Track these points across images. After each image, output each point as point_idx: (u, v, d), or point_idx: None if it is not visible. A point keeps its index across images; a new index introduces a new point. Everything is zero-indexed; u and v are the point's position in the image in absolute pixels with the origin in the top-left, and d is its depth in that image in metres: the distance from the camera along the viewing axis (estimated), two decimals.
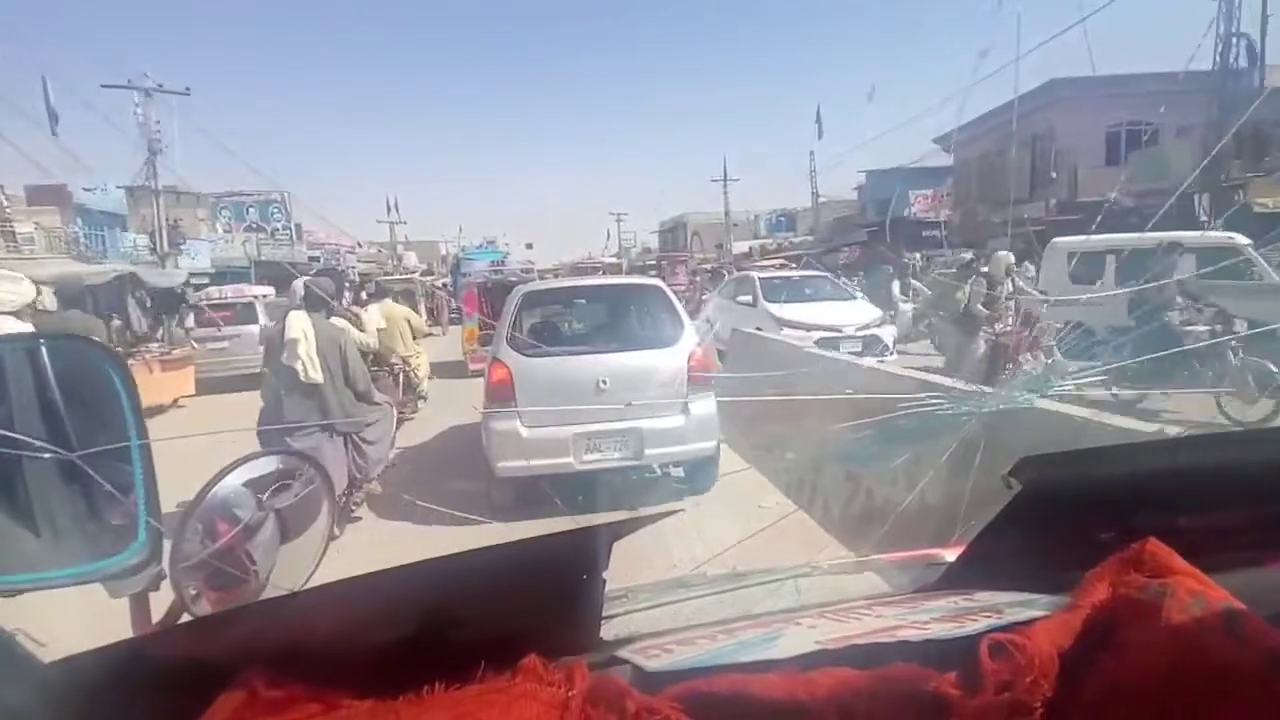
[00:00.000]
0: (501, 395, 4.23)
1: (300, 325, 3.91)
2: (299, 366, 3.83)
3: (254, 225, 29.18)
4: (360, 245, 36.74)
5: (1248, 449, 0.76)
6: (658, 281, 5.46)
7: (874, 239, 24.34)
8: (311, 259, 28.24)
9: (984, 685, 0.49)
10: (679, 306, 4.77)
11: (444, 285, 22.74)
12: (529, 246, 46.70)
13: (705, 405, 4.34)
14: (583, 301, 6.07)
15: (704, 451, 4.40)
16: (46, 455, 0.68)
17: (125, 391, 0.69)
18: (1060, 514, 0.66)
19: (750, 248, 39.09)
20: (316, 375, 3.87)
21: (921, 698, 0.50)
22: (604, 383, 4.18)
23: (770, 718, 0.51)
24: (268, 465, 0.81)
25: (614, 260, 33.13)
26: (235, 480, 0.75)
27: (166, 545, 0.67)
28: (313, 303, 4.15)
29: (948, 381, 3.71)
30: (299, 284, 4.39)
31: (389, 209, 41.28)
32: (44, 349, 0.71)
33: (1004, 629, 0.52)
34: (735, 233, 41.51)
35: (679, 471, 4.64)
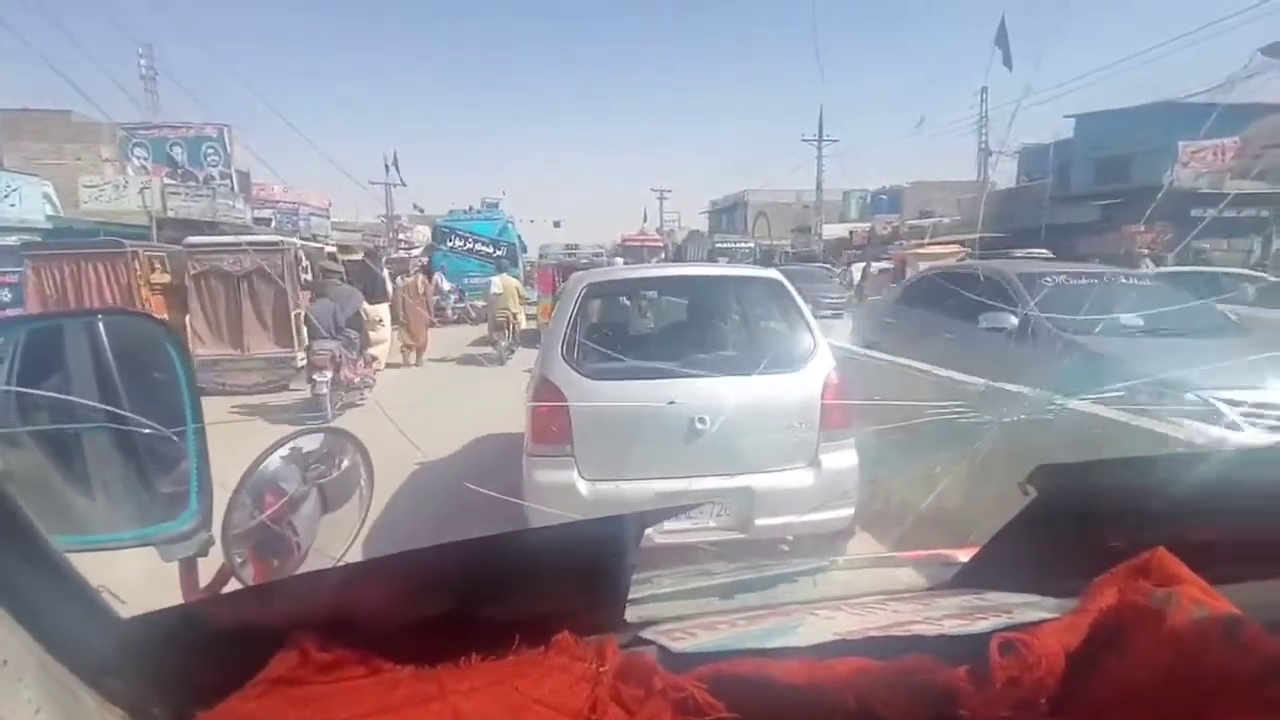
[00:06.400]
0: (552, 433, 3.96)
1: (501, 281, 14.85)
2: (500, 302, 14.30)
3: (181, 169, 29.12)
4: (330, 203, 37.77)
5: (1262, 467, 0.97)
6: (776, 274, 4.91)
7: (1107, 219, 21.41)
8: (259, 220, 28.21)
9: (993, 680, 0.68)
10: (807, 312, 4.46)
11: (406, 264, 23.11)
12: (557, 225, 49.31)
13: (843, 457, 4.05)
14: (671, 299, 5.75)
15: (834, 524, 4.04)
16: (106, 426, 0.97)
17: (182, 366, 0.98)
18: (1072, 521, 0.87)
19: (850, 232, 39.24)
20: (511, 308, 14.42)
21: (934, 689, 0.70)
22: (702, 421, 3.88)
23: (790, 700, 0.71)
24: (313, 442, 1.11)
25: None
26: (283, 455, 1.04)
27: (216, 513, 0.96)
28: (501, 267, 17.53)
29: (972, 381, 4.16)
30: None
31: (387, 168, 43.08)
32: (101, 324, 1.01)
33: (1014, 628, 0.71)
34: (810, 216, 41.85)
35: (788, 541, 4.27)
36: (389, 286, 15.57)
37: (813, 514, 3.91)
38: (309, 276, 12.31)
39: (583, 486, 3.91)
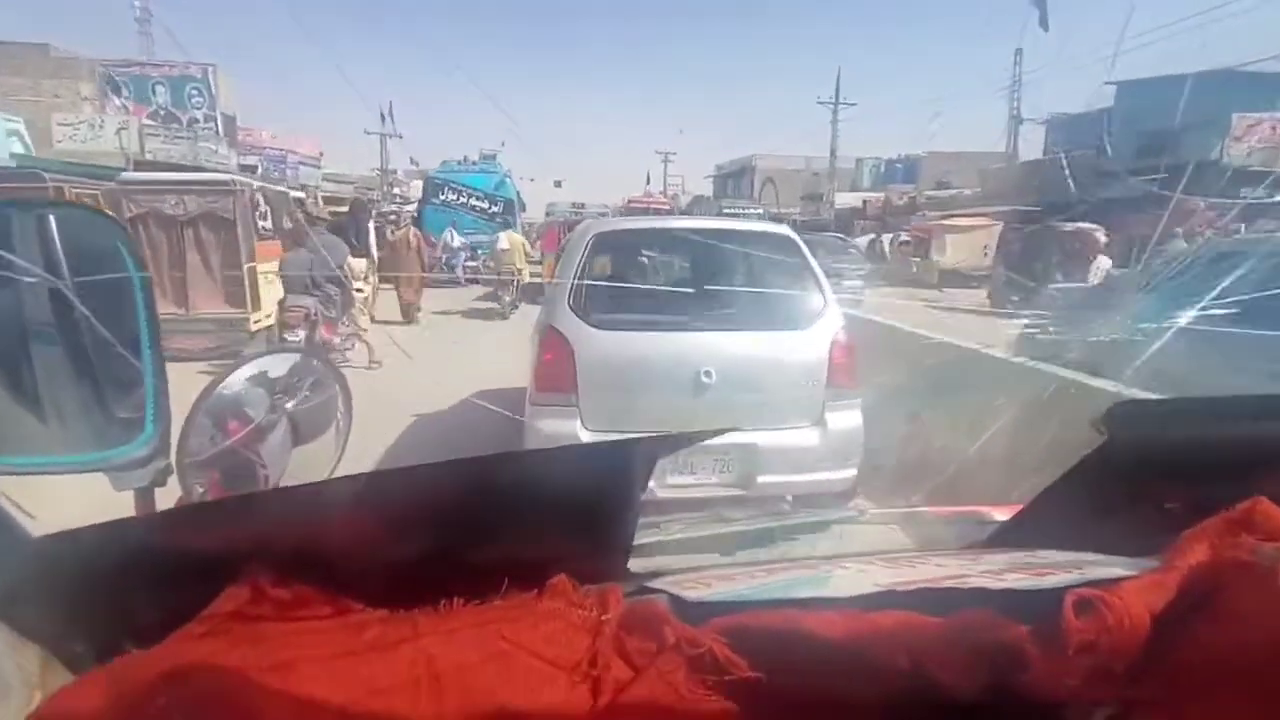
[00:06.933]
0: (557, 381, 4.10)
1: (508, 238, 16.21)
2: (506, 258, 15.52)
3: (162, 110, 29.01)
4: (322, 153, 37.76)
5: None
6: (788, 230, 5.12)
7: (1156, 195, 18.78)
8: (245, 167, 27.84)
9: (1065, 643, 0.60)
10: (818, 269, 4.58)
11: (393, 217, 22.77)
12: (558, 184, 49.93)
13: (848, 417, 4.22)
14: (680, 252, 5.94)
15: (837, 484, 4.21)
16: (53, 335, 0.88)
17: (137, 275, 0.89)
18: (1149, 470, 0.78)
19: (864, 201, 39.01)
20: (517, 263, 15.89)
21: (997, 649, 0.62)
22: (708, 374, 4.04)
23: (828, 659, 0.63)
24: (282, 365, 1.04)
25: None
26: (247, 378, 0.97)
27: (176, 440, 0.89)
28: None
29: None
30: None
31: (383, 118, 42.81)
32: (52, 218, 0.91)
33: (1089, 584, 0.63)
34: (820, 183, 41.64)
35: (788, 500, 4.39)
36: (372, 239, 15.13)
37: (815, 473, 4.09)
38: (268, 224, 10.95)
39: (586, 437, 4.01)
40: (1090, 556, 0.76)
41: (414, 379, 8.24)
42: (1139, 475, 0.80)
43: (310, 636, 0.62)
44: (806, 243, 5.06)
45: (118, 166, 18.33)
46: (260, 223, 10.70)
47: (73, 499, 0.96)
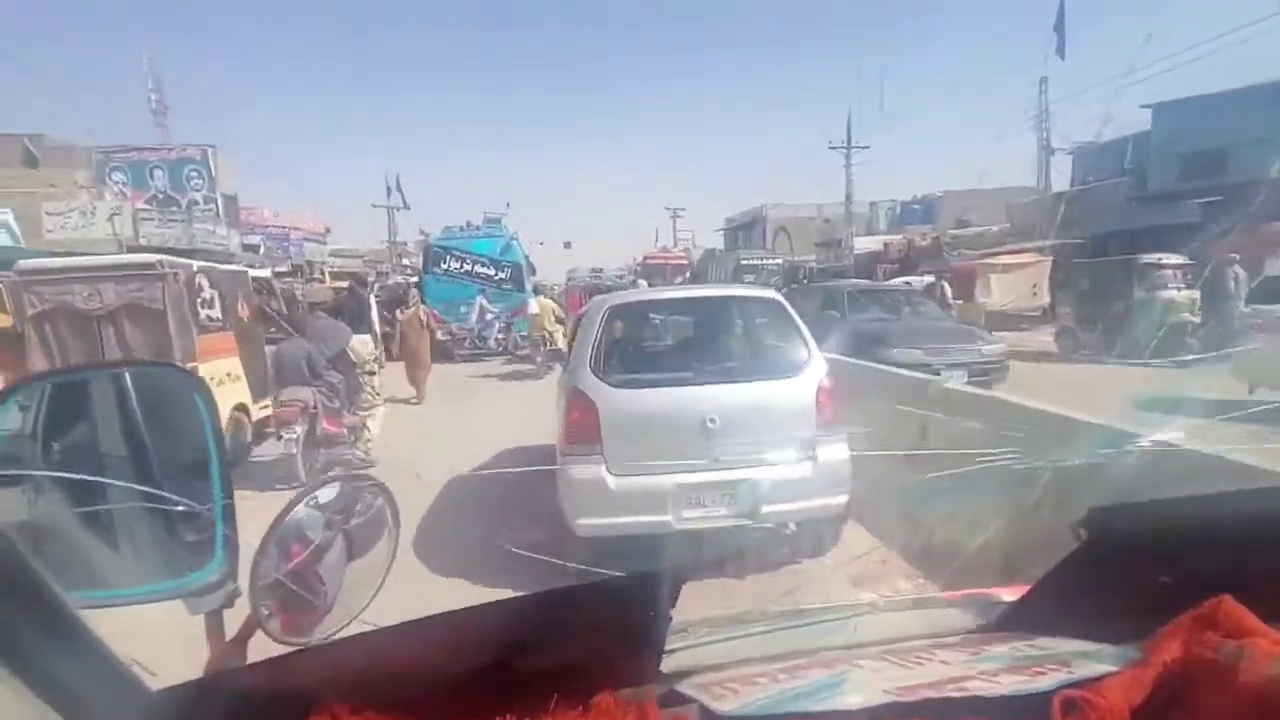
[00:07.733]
0: (584, 435, 4.91)
1: (538, 303, 18.87)
2: (537, 322, 17.98)
3: (160, 194, 29.41)
4: (327, 229, 38.61)
5: None
6: (774, 293, 6.26)
7: (1213, 220, 19.19)
8: (247, 247, 28.10)
9: None
10: (802, 325, 5.41)
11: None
12: (567, 246, 51.83)
13: (837, 450, 4.95)
14: (683, 317, 6.97)
15: (831, 509, 4.95)
16: (131, 476, 1.05)
17: (208, 416, 1.06)
18: (1128, 564, 0.90)
19: (885, 244, 39.18)
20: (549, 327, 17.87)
21: None
22: (712, 421, 4.79)
23: None
24: (337, 490, 1.19)
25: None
26: (306, 504, 1.12)
27: (243, 565, 1.04)
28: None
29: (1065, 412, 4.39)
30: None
31: (389, 190, 45.12)
32: (128, 375, 1.10)
33: (1075, 684, 0.72)
34: (834, 229, 41.94)
35: (791, 528, 5.20)
36: (374, 316, 15.18)
37: (812, 500, 4.82)
38: (214, 312, 9.08)
39: (611, 481, 4.78)
40: (1080, 646, 0.86)
41: (457, 435, 9.32)
42: (1119, 568, 0.91)
43: None
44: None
45: (38, 251, 16.88)
46: (204, 311, 8.89)
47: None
